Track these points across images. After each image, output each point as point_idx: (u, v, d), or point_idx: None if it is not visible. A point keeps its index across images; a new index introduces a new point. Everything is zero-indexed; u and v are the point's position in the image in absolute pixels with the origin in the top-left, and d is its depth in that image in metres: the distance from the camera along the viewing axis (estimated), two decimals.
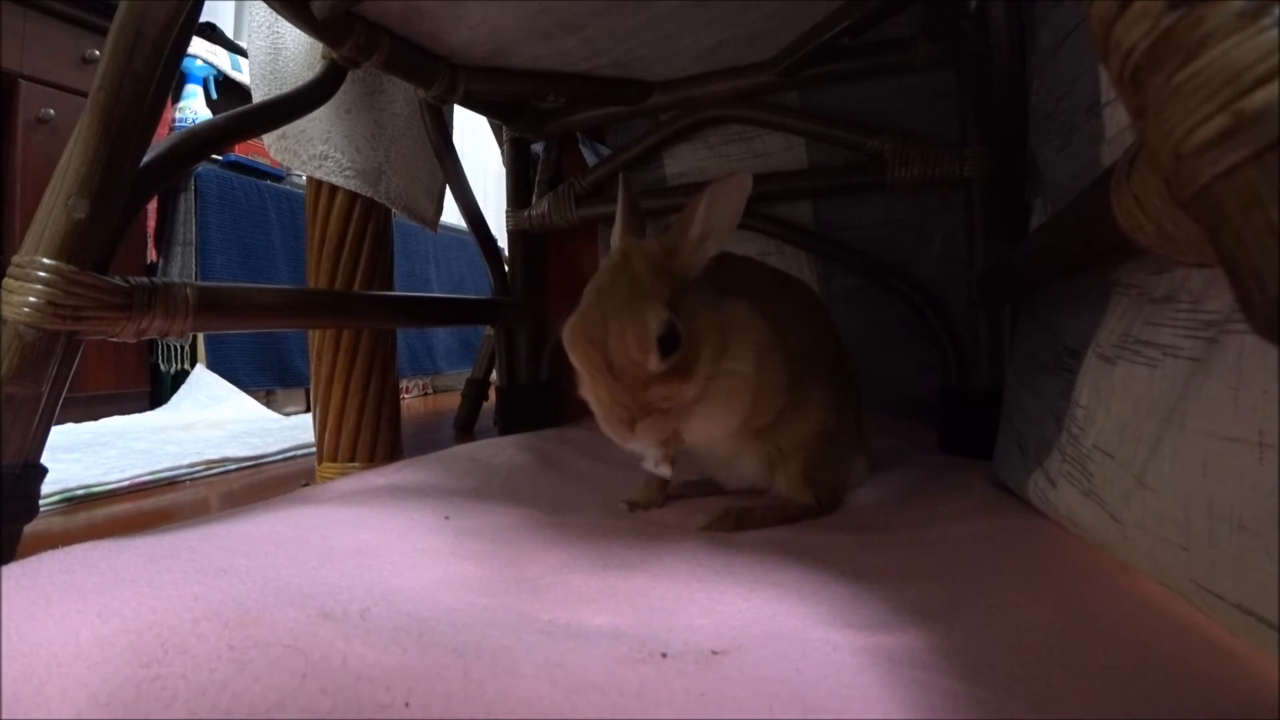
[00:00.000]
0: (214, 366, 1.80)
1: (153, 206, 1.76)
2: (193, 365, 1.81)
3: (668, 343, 0.41)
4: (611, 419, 0.42)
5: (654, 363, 0.40)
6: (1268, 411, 0.24)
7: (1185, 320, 0.31)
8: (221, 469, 1.07)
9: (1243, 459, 0.25)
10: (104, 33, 0.45)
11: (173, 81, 0.49)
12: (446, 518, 0.51)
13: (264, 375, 1.89)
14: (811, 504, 0.54)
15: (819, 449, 0.54)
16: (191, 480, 1.01)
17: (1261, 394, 0.25)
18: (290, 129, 0.81)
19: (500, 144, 1.12)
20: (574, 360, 0.43)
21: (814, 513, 0.54)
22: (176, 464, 1.03)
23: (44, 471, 0.45)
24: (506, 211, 1.08)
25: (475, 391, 1.44)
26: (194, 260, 1.74)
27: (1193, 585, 0.29)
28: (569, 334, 0.43)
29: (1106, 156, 0.45)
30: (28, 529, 0.44)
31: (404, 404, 1.65)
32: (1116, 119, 0.44)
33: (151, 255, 1.77)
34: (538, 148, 1.11)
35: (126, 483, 0.94)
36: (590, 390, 0.43)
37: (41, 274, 0.42)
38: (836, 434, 0.56)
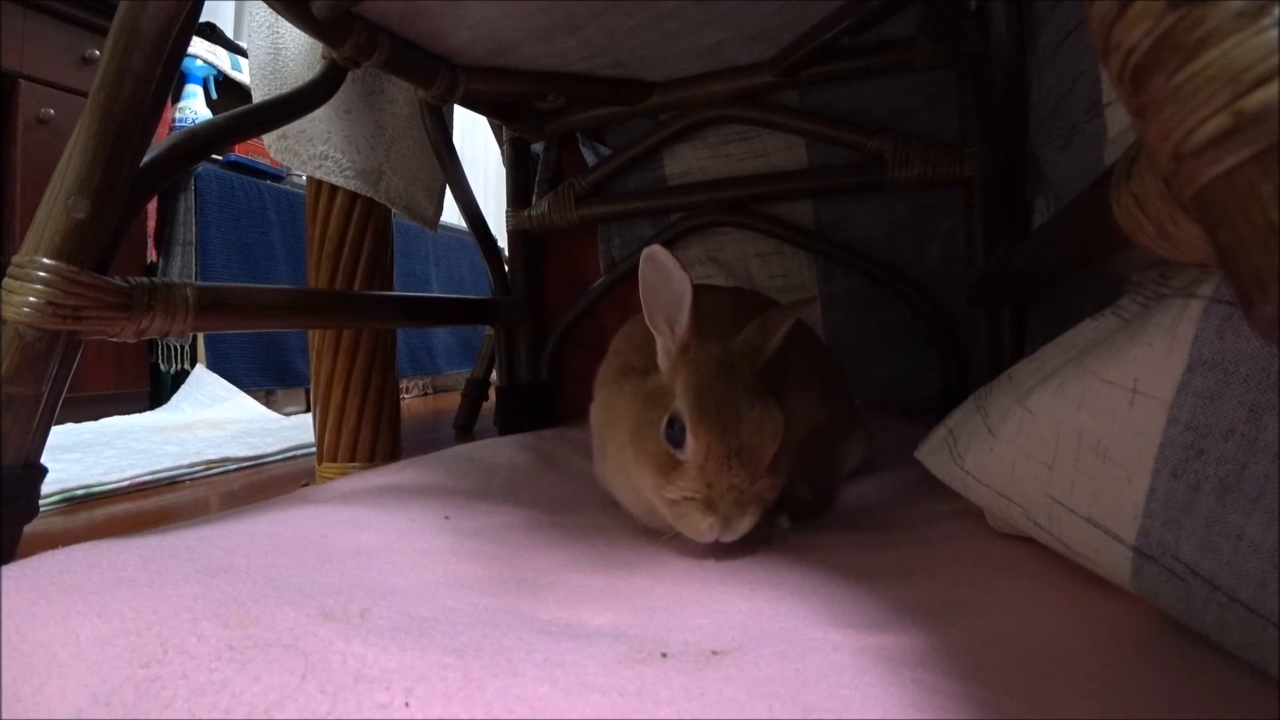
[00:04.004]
0: (214, 366, 1.80)
1: (153, 206, 1.76)
2: (193, 365, 1.81)
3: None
4: (726, 503, 0.40)
5: (773, 453, 0.42)
6: (1146, 364, 0.28)
7: (1150, 292, 0.34)
8: (221, 469, 1.07)
9: (1116, 400, 0.29)
10: (104, 33, 0.45)
11: (173, 81, 0.49)
12: (446, 518, 0.51)
13: (264, 375, 1.89)
14: (809, 500, 0.54)
15: (812, 445, 0.55)
16: (191, 480, 1.01)
17: (1146, 347, 0.28)
18: (290, 129, 0.81)
19: (500, 144, 1.12)
20: (703, 439, 0.41)
21: (812, 509, 0.54)
22: (176, 464, 1.03)
23: (44, 471, 0.45)
24: (506, 211, 1.08)
25: (475, 391, 1.44)
26: (194, 260, 1.74)
27: (1046, 498, 0.33)
28: (705, 410, 0.41)
29: (1109, 156, 0.45)
30: (28, 529, 0.44)
31: (404, 404, 1.65)
32: (1119, 119, 0.44)
33: (151, 255, 1.77)
34: (538, 148, 1.11)
35: (126, 483, 0.94)
36: (692, 477, 0.41)
37: (41, 274, 0.42)
38: (827, 425, 0.56)
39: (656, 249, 0.43)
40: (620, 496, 0.50)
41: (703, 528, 0.40)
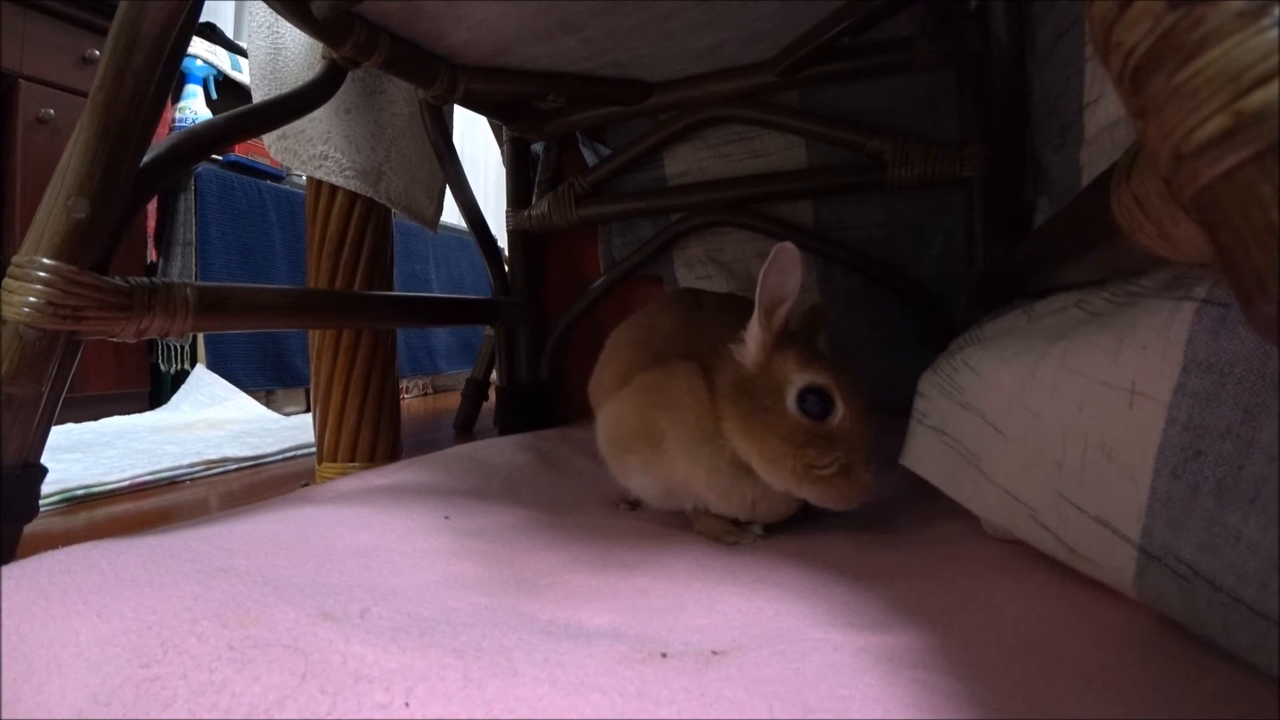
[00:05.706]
0: (214, 366, 1.80)
1: (153, 206, 1.76)
2: (193, 365, 1.81)
3: None
4: (871, 460, 0.45)
5: None
6: (1142, 366, 0.28)
7: (1117, 290, 0.35)
8: (221, 469, 1.07)
9: (1116, 401, 0.30)
10: (104, 33, 0.45)
11: (173, 81, 0.49)
12: (446, 518, 0.51)
13: (264, 375, 1.89)
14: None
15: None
16: (191, 480, 1.01)
17: (1140, 349, 0.28)
18: (290, 129, 0.81)
19: (500, 144, 1.12)
20: (850, 402, 0.45)
21: (810, 509, 0.54)
22: (176, 464, 1.03)
23: (44, 471, 0.45)
24: (506, 211, 1.08)
25: (475, 391, 1.44)
26: (194, 260, 1.74)
27: (1056, 496, 0.34)
28: (843, 377, 0.46)
29: (1084, 157, 0.45)
30: (28, 529, 0.44)
31: (404, 404, 1.65)
32: (1095, 120, 0.44)
33: (151, 255, 1.77)
34: (538, 148, 1.11)
35: (126, 483, 0.94)
36: (842, 440, 0.44)
37: (41, 274, 0.42)
38: None
39: (789, 245, 0.45)
40: (662, 479, 0.50)
41: (859, 489, 0.44)
